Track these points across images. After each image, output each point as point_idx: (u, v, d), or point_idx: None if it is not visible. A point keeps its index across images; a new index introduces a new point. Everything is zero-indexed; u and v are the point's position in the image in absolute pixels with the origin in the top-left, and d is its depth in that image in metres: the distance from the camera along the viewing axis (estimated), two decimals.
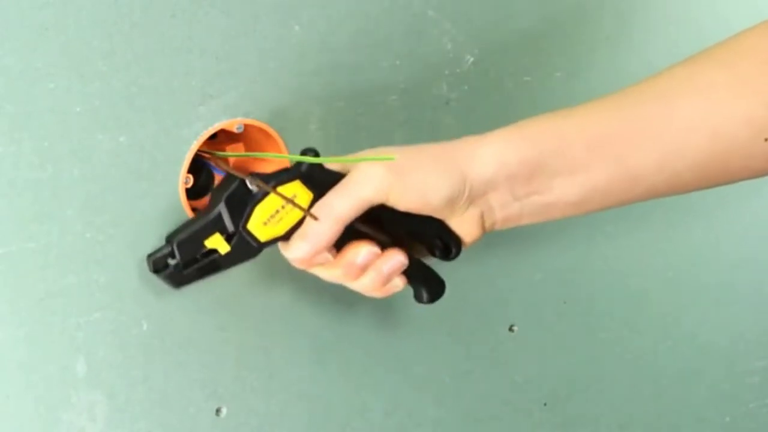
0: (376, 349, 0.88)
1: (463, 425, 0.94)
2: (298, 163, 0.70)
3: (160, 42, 0.73)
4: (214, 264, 0.71)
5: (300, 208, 0.69)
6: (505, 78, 0.89)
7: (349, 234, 0.70)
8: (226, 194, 0.69)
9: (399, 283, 0.73)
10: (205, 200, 0.79)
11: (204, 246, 0.70)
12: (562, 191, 0.72)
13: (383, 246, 0.72)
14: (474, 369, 0.93)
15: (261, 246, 0.70)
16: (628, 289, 1.01)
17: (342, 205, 0.69)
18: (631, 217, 0.99)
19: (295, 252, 0.70)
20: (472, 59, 0.86)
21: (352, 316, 0.86)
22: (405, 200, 0.70)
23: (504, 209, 0.73)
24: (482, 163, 0.71)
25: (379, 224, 0.72)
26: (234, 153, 0.78)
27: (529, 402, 0.97)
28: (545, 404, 0.98)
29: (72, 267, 0.73)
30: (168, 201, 0.75)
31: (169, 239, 0.71)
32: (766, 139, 0.69)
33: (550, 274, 0.96)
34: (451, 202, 0.71)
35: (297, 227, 0.71)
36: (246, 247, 0.70)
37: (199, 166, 0.77)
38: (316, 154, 0.71)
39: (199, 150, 0.75)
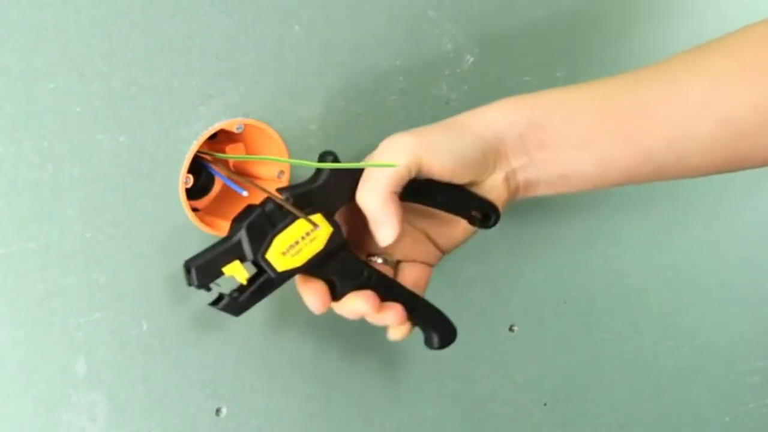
0: (376, 349, 0.88)
1: (463, 425, 0.94)
2: (318, 176, 0.70)
3: (160, 42, 0.73)
4: (266, 285, 0.71)
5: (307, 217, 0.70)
6: (505, 78, 0.89)
7: (354, 281, 0.72)
8: (247, 222, 0.69)
9: (404, 330, 0.75)
10: (206, 200, 0.79)
11: (222, 273, 0.70)
12: (576, 163, 0.73)
13: (388, 295, 0.73)
14: (474, 369, 0.93)
15: (279, 276, 0.70)
16: (628, 289, 1.01)
17: (382, 177, 0.69)
18: (631, 217, 0.99)
19: (383, 239, 0.70)
20: (472, 59, 0.86)
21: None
22: (438, 161, 0.70)
23: (523, 172, 0.74)
24: (492, 123, 0.72)
25: (415, 217, 0.73)
26: (234, 155, 0.78)
27: (529, 402, 0.97)
28: (545, 404, 0.98)
29: (72, 267, 0.73)
30: (168, 201, 0.75)
31: (188, 265, 0.70)
32: None
33: (550, 274, 0.96)
34: (479, 161, 0.71)
35: (315, 259, 0.70)
36: (266, 276, 0.70)
37: (199, 166, 0.77)
38: (335, 159, 0.71)
39: (199, 151, 0.75)
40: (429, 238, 0.76)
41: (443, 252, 0.77)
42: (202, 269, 0.69)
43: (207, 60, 0.75)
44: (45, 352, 0.73)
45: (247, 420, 0.82)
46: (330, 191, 0.71)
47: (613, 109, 0.73)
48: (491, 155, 0.72)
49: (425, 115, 0.84)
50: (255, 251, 0.69)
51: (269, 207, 0.70)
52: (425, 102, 0.85)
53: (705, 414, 1.08)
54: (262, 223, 0.69)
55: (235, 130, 0.76)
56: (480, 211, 0.74)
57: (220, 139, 0.78)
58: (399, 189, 0.70)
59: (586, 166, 0.73)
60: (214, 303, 0.71)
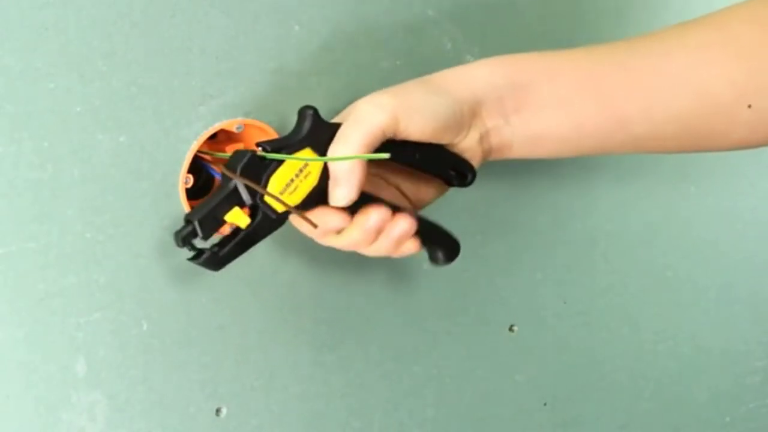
0: (376, 349, 0.88)
1: (463, 425, 0.94)
2: (300, 125, 0.70)
3: (160, 42, 0.73)
4: (248, 238, 0.70)
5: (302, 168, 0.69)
6: None
7: (362, 200, 0.70)
8: (240, 167, 0.69)
9: (411, 246, 0.73)
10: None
11: (224, 221, 0.69)
12: (551, 124, 0.73)
13: (394, 211, 0.72)
14: (474, 369, 0.93)
15: (279, 216, 0.70)
16: (628, 289, 1.00)
17: (356, 136, 0.69)
18: (631, 217, 0.99)
19: (339, 198, 0.69)
20: (472, 59, 0.86)
21: (352, 317, 0.86)
22: (415, 123, 0.69)
23: (497, 133, 0.74)
24: (473, 83, 0.72)
25: (388, 173, 0.72)
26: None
27: (529, 402, 0.97)
28: (545, 404, 0.98)
29: (72, 267, 0.73)
30: (168, 201, 0.75)
31: (189, 218, 0.69)
32: (749, 106, 0.71)
33: (550, 274, 0.96)
34: (458, 119, 0.71)
35: (312, 195, 0.70)
36: (266, 218, 0.70)
37: (199, 166, 0.77)
38: (316, 112, 0.70)
39: (199, 150, 0.75)
40: (402, 194, 0.76)
41: (416, 208, 0.77)
42: (206, 220, 0.69)
43: (207, 60, 0.75)
44: (45, 352, 0.73)
45: (247, 420, 0.82)
46: (312, 142, 0.70)
47: (594, 73, 0.73)
48: (468, 117, 0.72)
49: None
50: (253, 195, 0.69)
51: (258, 151, 0.69)
52: None
53: (705, 414, 1.08)
54: (255, 165, 0.69)
55: (235, 130, 0.76)
56: (457, 171, 0.74)
57: (220, 139, 0.78)
58: (372, 149, 0.69)
59: (561, 128, 0.73)
60: (194, 257, 0.70)
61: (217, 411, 0.81)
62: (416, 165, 0.73)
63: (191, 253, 0.70)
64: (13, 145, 0.69)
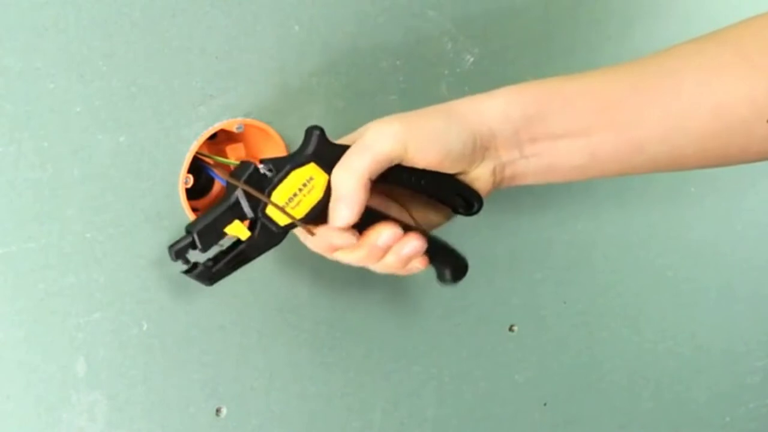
0: (376, 349, 0.88)
1: (463, 425, 0.94)
2: (306, 144, 0.70)
3: (160, 42, 0.73)
4: (241, 255, 0.70)
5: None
6: (505, 78, 0.88)
7: (371, 217, 0.70)
8: (242, 179, 0.69)
9: (419, 264, 0.73)
10: (206, 200, 0.79)
11: (224, 233, 0.69)
12: (567, 153, 0.73)
13: (404, 229, 0.72)
14: (474, 369, 0.93)
15: (282, 230, 0.69)
16: (627, 289, 1.01)
17: (362, 161, 0.68)
18: (631, 217, 0.99)
19: (339, 219, 0.69)
20: (472, 59, 0.86)
21: (352, 316, 0.86)
22: (424, 153, 0.69)
23: (512, 166, 0.73)
24: (487, 116, 0.71)
25: (397, 194, 0.72)
26: (235, 161, 0.78)
27: (529, 402, 0.97)
28: (545, 404, 0.98)
29: (72, 267, 0.73)
30: (168, 201, 0.75)
31: (189, 229, 0.69)
32: (767, 121, 0.70)
33: (550, 274, 0.96)
34: (468, 151, 0.71)
35: (316, 210, 0.70)
36: (268, 233, 0.70)
37: (199, 166, 0.77)
38: (322, 132, 0.70)
39: (199, 153, 0.75)
40: (410, 214, 0.76)
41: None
42: (205, 233, 0.69)
43: (207, 60, 0.75)
44: (45, 352, 0.73)
45: (247, 420, 0.82)
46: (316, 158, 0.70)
47: (608, 98, 0.72)
48: (481, 149, 0.72)
49: None
50: (254, 208, 0.69)
51: (262, 165, 0.69)
52: (425, 102, 0.85)
53: (705, 414, 1.08)
54: (258, 179, 0.69)
55: (235, 130, 0.76)
56: (463, 199, 0.74)
57: (220, 139, 0.78)
58: (376, 175, 0.69)
59: (577, 156, 0.73)
60: (188, 271, 0.70)
61: (217, 411, 0.81)
62: (422, 190, 0.72)
63: (184, 267, 0.70)
64: (13, 145, 0.69)
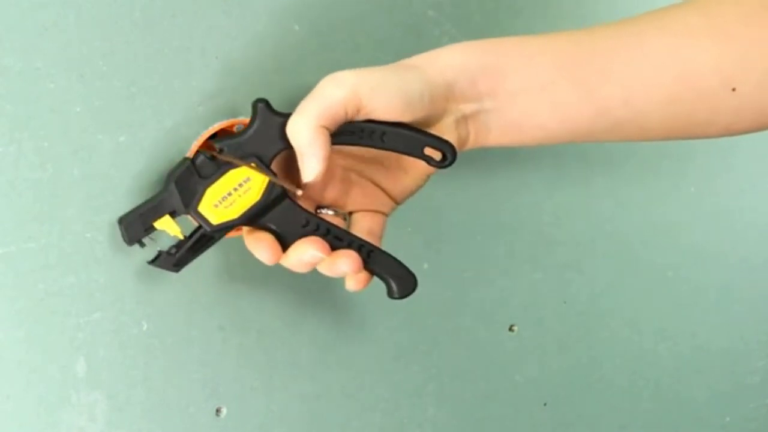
0: (376, 349, 0.88)
1: (463, 425, 0.94)
2: (252, 122, 0.69)
3: (160, 42, 0.73)
4: (204, 238, 0.70)
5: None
6: None
7: (301, 230, 0.70)
8: (176, 175, 0.69)
9: (362, 278, 0.72)
10: None
11: (153, 228, 0.69)
12: (528, 109, 0.71)
13: (339, 245, 0.70)
14: (474, 369, 0.93)
15: (214, 228, 0.69)
16: (628, 289, 1.00)
17: (313, 106, 0.67)
18: (631, 217, 0.99)
19: (308, 172, 0.68)
20: None
21: (352, 316, 0.86)
22: (378, 100, 0.67)
23: (474, 119, 0.71)
24: (444, 67, 0.70)
25: (364, 163, 0.71)
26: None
27: (529, 402, 0.97)
28: (545, 404, 0.98)
29: (72, 267, 0.73)
30: None
31: (119, 220, 0.70)
32: (733, 89, 0.69)
33: (550, 274, 0.96)
34: (426, 100, 0.69)
35: (253, 210, 0.69)
36: (201, 230, 0.70)
37: None
38: (268, 104, 0.69)
39: (198, 150, 0.75)
40: (379, 187, 0.74)
41: (396, 202, 0.75)
42: (132, 224, 0.69)
43: (207, 60, 0.75)
44: (45, 352, 0.73)
45: (247, 420, 0.82)
46: (264, 139, 0.69)
47: (572, 57, 0.71)
48: (439, 98, 0.69)
49: None
50: (186, 204, 0.69)
51: (200, 159, 0.69)
52: None
53: (705, 414, 1.08)
54: (192, 175, 0.69)
55: (235, 130, 0.76)
56: (434, 150, 0.71)
57: (219, 139, 0.78)
58: (331, 124, 0.67)
59: (540, 114, 0.71)
60: (153, 261, 0.71)
61: (217, 411, 0.81)
62: (387, 146, 0.70)
63: (151, 257, 0.71)
64: (13, 145, 0.69)
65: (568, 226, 0.96)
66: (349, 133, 0.69)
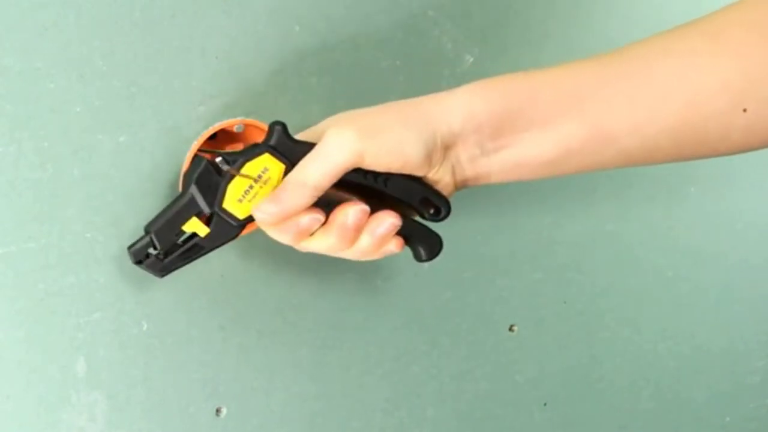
0: (376, 349, 0.88)
1: (463, 425, 0.94)
2: (268, 137, 0.69)
3: (160, 42, 0.73)
4: (195, 248, 0.70)
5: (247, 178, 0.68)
6: None
7: (336, 199, 0.69)
8: (195, 176, 0.69)
9: (394, 246, 0.71)
10: None
11: (182, 231, 0.69)
12: (533, 147, 0.70)
13: (373, 208, 0.70)
14: (474, 369, 0.93)
15: (240, 223, 0.69)
16: (628, 289, 1.01)
17: (316, 171, 0.67)
18: (632, 217, 0.99)
19: (261, 214, 0.68)
20: (472, 59, 0.86)
21: (352, 316, 0.86)
22: (382, 159, 0.68)
23: (473, 164, 0.71)
24: (450, 114, 0.70)
25: (362, 192, 0.71)
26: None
27: (529, 402, 0.97)
28: (545, 404, 0.98)
29: (72, 267, 0.73)
30: (168, 201, 0.75)
31: (147, 229, 0.69)
32: (744, 110, 0.68)
33: (550, 274, 0.96)
34: (428, 156, 0.69)
35: None
36: (226, 227, 0.69)
37: None
38: (284, 128, 0.69)
39: (199, 150, 0.75)
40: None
41: None
42: (163, 232, 0.68)
43: (207, 60, 0.75)
44: (45, 352, 0.73)
45: (247, 420, 0.82)
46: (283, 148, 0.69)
47: (575, 88, 0.70)
48: (442, 149, 0.70)
49: None
50: (210, 203, 0.68)
51: (218, 159, 0.68)
52: None
53: (705, 414, 1.08)
54: (211, 174, 0.68)
55: (235, 130, 0.76)
56: (430, 204, 0.72)
57: (220, 138, 0.78)
58: (329, 184, 0.68)
59: (546, 152, 0.70)
60: (139, 262, 0.70)
61: (217, 411, 0.81)
62: (386, 191, 0.71)
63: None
64: (13, 145, 0.69)
65: (568, 226, 0.96)
66: (354, 171, 0.69)
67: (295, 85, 0.79)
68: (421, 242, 0.74)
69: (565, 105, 0.70)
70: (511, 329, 0.95)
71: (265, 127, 0.77)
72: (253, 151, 0.68)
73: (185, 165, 0.75)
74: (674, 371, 1.05)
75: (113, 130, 0.72)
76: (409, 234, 0.73)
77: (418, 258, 0.75)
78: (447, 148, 0.70)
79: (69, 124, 0.71)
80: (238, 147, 0.78)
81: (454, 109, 0.70)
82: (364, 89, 0.82)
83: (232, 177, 0.68)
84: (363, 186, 0.70)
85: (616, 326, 1.01)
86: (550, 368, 0.98)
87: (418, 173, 0.70)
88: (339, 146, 0.67)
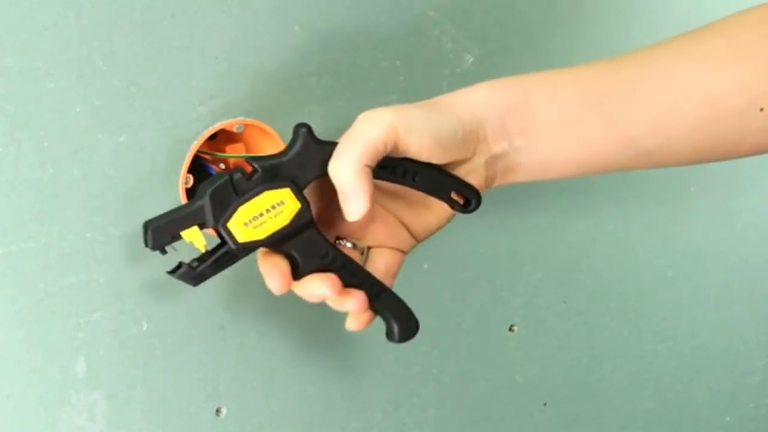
0: (376, 349, 0.88)
1: (463, 425, 0.94)
2: (292, 145, 0.68)
3: (160, 42, 0.73)
4: (228, 255, 0.69)
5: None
6: None
7: (319, 261, 0.70)
8: (212, 188, 0.68)
9: (364, 318, 0.72)
10: None
11: (179, 236, 0.68)
12: (558, 146, 0.71)
13: (351, 281, 0.71)
14: (474, 369, 0.93)
15: (238, 246, 0.68)
16: (628, 289, 1.01)
17: (355, 148, 0.67)
18: (631, 217, 0.99)
19: (352, 213, 0.68)
20: (472, 59, 0.86)
21: None
22: (414, 138, 0.68)
23: (503, 158, 0.72)
24: (473, 106, 0.70)
25: (388, 197, 0.71)
26: (233, 154, 0.78)
27: (529, 402, 0.97)
28: (545, 404, 0.98)
29: (72, 267, 0.73)
30: (168, 201, 0.75)
31: (146, 224, 0.68)
32: (761, 110, 0.69)
33: (550, 274, 0.96)
34: (459, 141, 0.70)
35: (279, 234, 0.68)
36: (225, 247, 0.68)
37: (199, 166, 0.77)
38: (309, 130, 0.69)
39: (199, 150, 0.75)
40: (402, 224, 0.74)
41: (417, 239, 0.75)
42: (159, 230, 0.67)
43: (207, 60, 0.75)
44: (45, 352, 0.73)
45: (247, 420, 0.82)
46: (301, 164, 0.69)
47: (596, 88, 0.71)
48: (471, 138, 0.70)
49: None
50: (216, 218, 0.67)
51: (237, 176, 0.68)
52: None
53: (705, 414, 1.08)
54: (228, 191, 0.68)
55: (235, 130, 0.76)
56: (460, 195, 0.72)
57: (220, 138, 0.78)
58: (373, 162, 0.67)
59: (568, 149, 0.71)
60: (172, 271, 0.69)
61: (217, 411, 0.81)
62: (417, 186, 0.71)
63: (170, 267, 0.69)
64: (13, 145, 0.69)
65: (568, 226, 0.96)
66: (383, 167, 0.69)
67: (295, 85, 0.79)
68: (397, 321, 0.73)
69: (584, 105, 0.71)
70: (511, 329, 0.95)
71: (266, 127, 0.77)
72: (274, 181, 0.68)
73: (185, 165, 0.75)
74: (674, 371, 1.05)
75: (113, 130, 0.72)
76: (386, 310, 0.73)
77: (389, 336, 0.74)
78: (476, 138, 0.71)
79: (69, 124, 0.71)
80: (239, 147, 0.78)
81: (475, 102, 0.71)
82: (364, 89, 0.82)
83: (248, 199, 0.68)
84: (393, 184, 0.70)
85: (616, 326, 1.01)
86: (550, 368, 0.98)
87: (450, 156, 0.70)
88: (374, 123, 0.67)
